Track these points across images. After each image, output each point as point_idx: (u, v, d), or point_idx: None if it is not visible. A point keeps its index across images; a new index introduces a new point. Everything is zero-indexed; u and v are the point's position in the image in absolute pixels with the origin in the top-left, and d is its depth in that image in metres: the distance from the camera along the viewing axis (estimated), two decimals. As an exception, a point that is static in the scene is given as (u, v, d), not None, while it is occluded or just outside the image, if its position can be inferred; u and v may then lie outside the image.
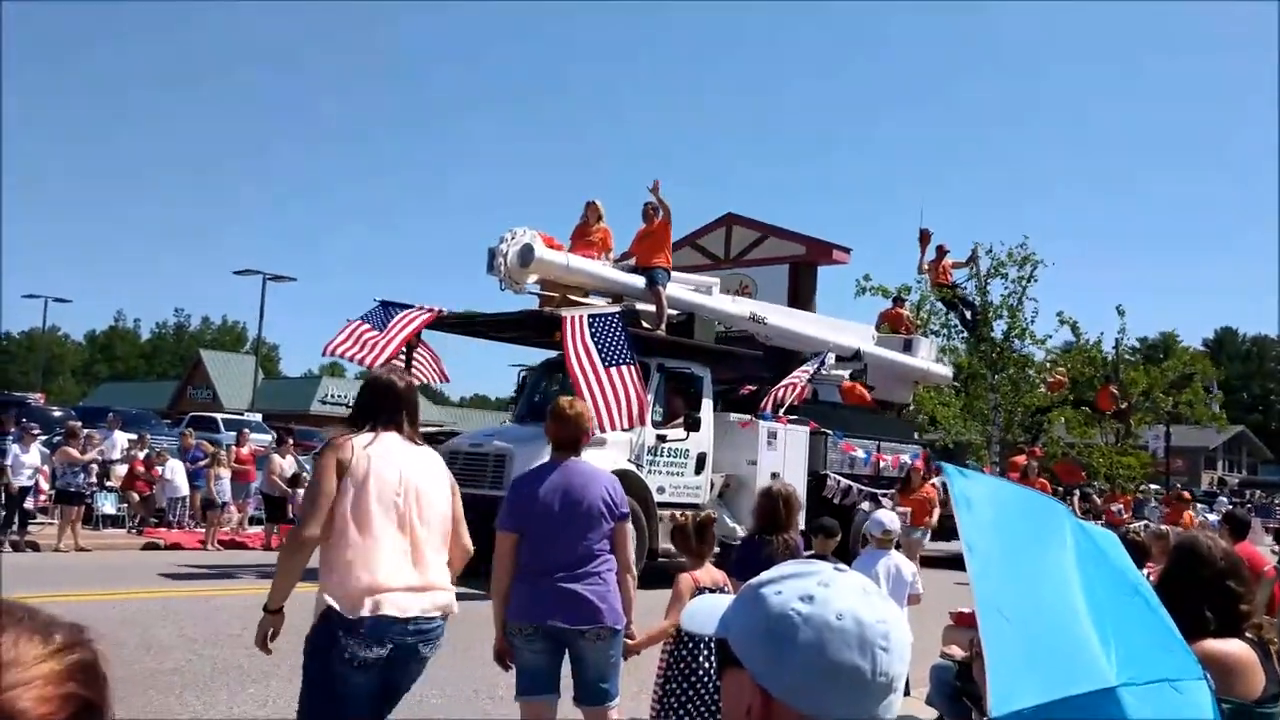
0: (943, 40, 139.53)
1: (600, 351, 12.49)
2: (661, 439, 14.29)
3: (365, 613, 3.80)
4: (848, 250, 24.85)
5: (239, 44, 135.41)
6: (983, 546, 1.61)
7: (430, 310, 14.23)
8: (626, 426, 12.60)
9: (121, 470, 18.57)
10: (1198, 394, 28.19)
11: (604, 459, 13.26)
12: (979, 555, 1.59)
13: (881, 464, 17.98)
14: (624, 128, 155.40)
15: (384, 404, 4.17)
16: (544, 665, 4.69)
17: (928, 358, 21.45)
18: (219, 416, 33.83)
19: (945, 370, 22.79)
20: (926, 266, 24.62)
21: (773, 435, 15.72)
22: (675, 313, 15.40)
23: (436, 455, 4.36)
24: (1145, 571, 5.18)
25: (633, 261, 15.19)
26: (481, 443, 14.25)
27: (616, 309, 13.59)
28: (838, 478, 16.68)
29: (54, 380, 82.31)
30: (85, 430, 17.36)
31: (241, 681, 6.73)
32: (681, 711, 4.88)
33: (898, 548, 7.31)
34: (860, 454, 17.62)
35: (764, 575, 1.38)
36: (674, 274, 15.78)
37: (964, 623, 5.97)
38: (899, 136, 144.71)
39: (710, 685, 4.95)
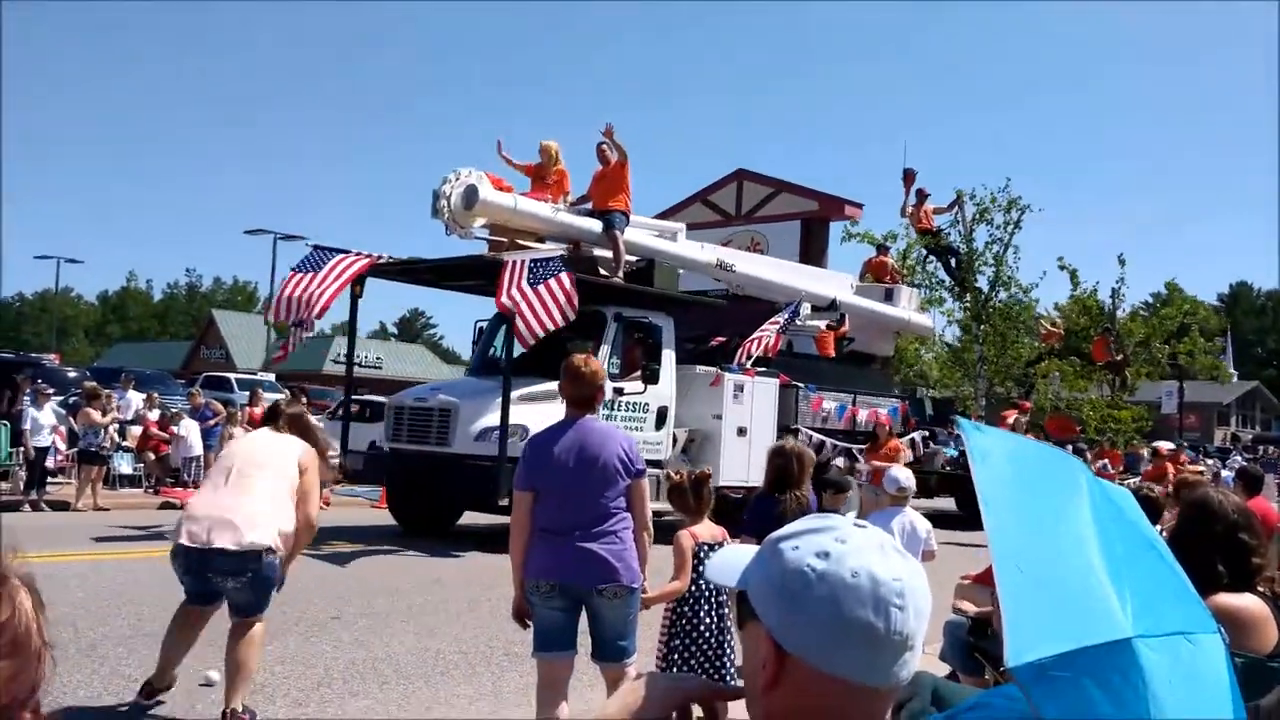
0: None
1: (531, 284, 11.99)
2: (619, 392, 13.44)
3: (174, 534, 5.54)
4: (860, 205, 24.52)
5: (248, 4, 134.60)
6: (999, 500, 1.61)
7: (368, 257, 13.45)
8: (560, 322, 11.97)
9: (136, 430, 18.66)
10: (1197, 344, 26.14)
11: (555, 411, 12.89)
12: (995, 509, 1.58)
13: (857, 418, 17.31)
14: (630, 77, 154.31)
15: (268, 413, 6.25)
16: (561, 622, 4.71)
17: (909, 307, 20.64)
18: (232, 376, 33.95)
19: (927, 321, 21.80)
20: (909, 211, 23.56)
21: (739, 388, 15.06)
22: (634, 259, 14.64)
23: (293, 442, 5.77)
24: (1159, 528, 5.19)
25: (590, 205, 14.43)
26: (426, 397, 13.74)
27: (560, 250, 12.98)
28: (809, 432, 15.92)
29: (67, 341, 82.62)
30: (105, 391, 17.43)
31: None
32: (685, 666, 4.93)
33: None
34: (833, 407, 17.00)
35: (784, 530, 1.37)
36: (637, 218, 15.01)
37: (980, 581, 6.00)
38: (908, 85, 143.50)
39: (712, 640, 5.01)
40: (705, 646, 5.00)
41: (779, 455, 6.03)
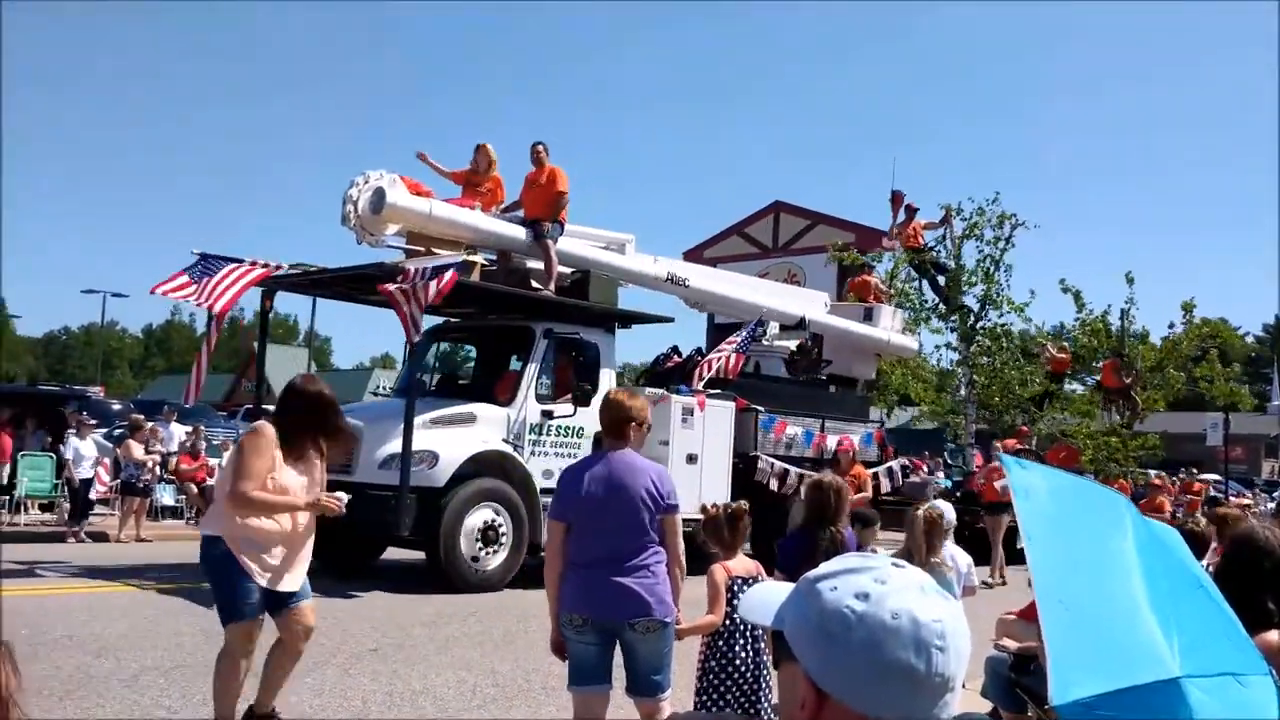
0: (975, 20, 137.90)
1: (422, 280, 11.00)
2: (548, 415, 12.52)
3: None
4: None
5: (287, 40, 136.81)
6: (1043, 537, 1.60)
7: (264, 266, 12.11)
8: (423, 302, 10.93)
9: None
10: (1215, 369, 24.11)
11: (472, 438, 11.93)
12: (1039, 545, 1.58)
13: (826, 445, 15.74)
14: (665, 107, 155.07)
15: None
16: (595, 656, 4.68)
17: (890, 327, 19.23)
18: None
19: (909, 342, 20.41)
20: (896, 230, 22.43)
21: (689, 412, 13.77)
22: (569, 271, 13.62)
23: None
24: (1203, 563, 5.10)
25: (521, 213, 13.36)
26: None
27: (459, 257, 11.91)
28: (771, 460, 14.64)
29: (112, 374, 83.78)
30: (149, 424, 17.62)
31: (295, 672, 6.80)
32: (721, 701, 4.90)
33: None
34: (799, 433, 15.58)
35: (821, 569, 1.36)
36: (580, 228, 14.02)
37: (1023, 616, 5.91)
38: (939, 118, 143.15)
39: (748, 675, 4.96)
40: (741, 681, 4.96)
41: (817, 490, 5.93)
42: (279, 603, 5.40)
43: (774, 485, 14.40)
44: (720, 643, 5.00)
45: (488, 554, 11.74)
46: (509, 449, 12.21)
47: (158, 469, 17.06)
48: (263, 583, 5.27)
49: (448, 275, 11.07)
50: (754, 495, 13.37)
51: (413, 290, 10.95)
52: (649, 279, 15.04)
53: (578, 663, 4.71)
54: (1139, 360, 23.29)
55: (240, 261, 11.97)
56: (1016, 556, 15.84)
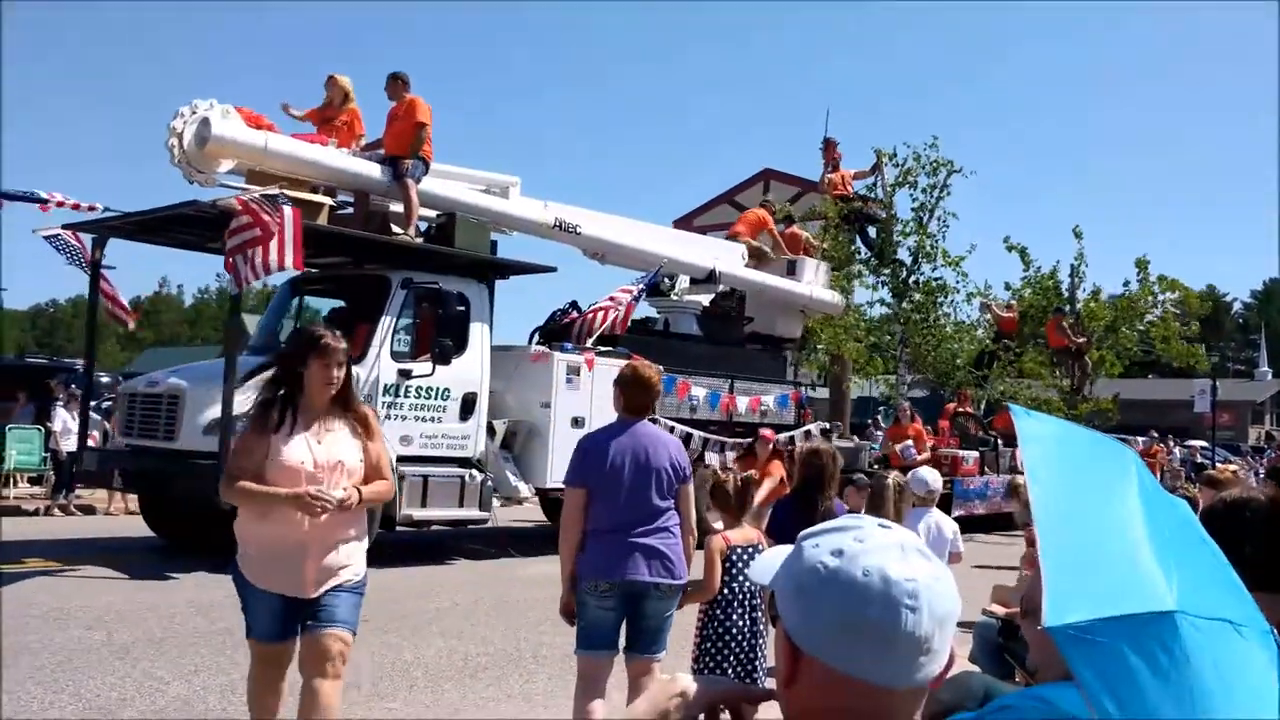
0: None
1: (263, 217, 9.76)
2: (405, 375, 11.33)
3: None
4: (884, 203, 24.08)
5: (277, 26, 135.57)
6: (1047, 479, 1.61)
7: (43, 201, 10.86)
8: (276, 265, 9.78)
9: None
10: (1171, 328, 22.85)
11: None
12: (1043, 486, 1.58)
13: (735, 407, 14.72)
14: (651, 75, 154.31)
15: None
16: (612, 622, 4.82)
17: (813, 282, 17.91)
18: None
19: (833, 297, 18.81)
20: (826, 179, 21.09)
21: (574, 371, 12.57)
22: (434, 214, 12.50)
23: None
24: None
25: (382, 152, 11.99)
26: (157, 382, 11.41)
27: (273, 190, 10.25)
28: (671, 424, 13.40)
29: (100, 346, 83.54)
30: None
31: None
32: (716, 669, 4.96)
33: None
34: (704, 395, 14.48)
35: (814, 528, 1.37)
36: (456, 169, 12.92)
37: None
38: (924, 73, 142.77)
39: (744, 643, 5.04)
40: (737, 649, 5.03)
41: (816, 456, 6.06)
42: (310, 620, 4.35)
43: None
44: (717, 611, 5.06)
45: None
46: None
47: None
48: (264, 586, 4.31)
49: (290, 223, 9.79)
50: None
51: (258, 231, 9.77)
52: (535, 225, 13.59)
53: (593, 627, 4.82)
54: (1089, 319, 22.55)
55: (44, 201, 10.91)
56: None
